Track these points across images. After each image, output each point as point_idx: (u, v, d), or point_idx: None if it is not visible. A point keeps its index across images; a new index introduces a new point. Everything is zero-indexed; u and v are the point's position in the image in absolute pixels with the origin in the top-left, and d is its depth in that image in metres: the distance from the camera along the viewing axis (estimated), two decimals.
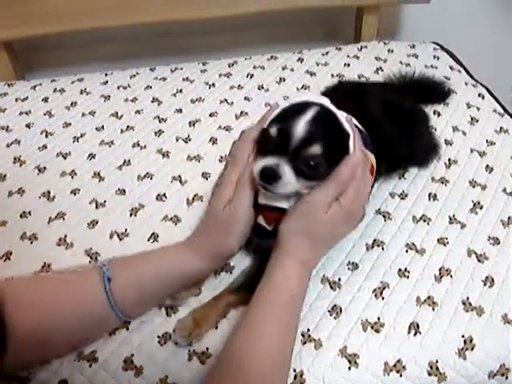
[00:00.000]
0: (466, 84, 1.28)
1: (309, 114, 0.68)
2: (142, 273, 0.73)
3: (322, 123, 0.69)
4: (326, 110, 0.72)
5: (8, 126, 1.15)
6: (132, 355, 0.73)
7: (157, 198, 0.96)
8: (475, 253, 0.87)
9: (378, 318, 0.78)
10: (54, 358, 0.72)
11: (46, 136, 1.12)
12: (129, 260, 0.75)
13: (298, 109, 0.70)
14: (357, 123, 0.85)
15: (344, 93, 1.06)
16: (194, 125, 1.13)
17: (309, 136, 0.67)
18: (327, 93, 1.08)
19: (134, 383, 0.71)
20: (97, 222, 0.92)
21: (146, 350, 0.74)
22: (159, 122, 1.15)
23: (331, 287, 0.82)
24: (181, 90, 1.24)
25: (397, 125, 0.92)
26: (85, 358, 0.73)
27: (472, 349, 0.76)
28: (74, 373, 0.72)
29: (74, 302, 0.70)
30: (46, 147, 1.09)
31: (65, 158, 1.06)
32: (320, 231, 0.71)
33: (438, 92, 1.19)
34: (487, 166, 1.04)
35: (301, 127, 0.67)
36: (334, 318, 0.78)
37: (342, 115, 0.74)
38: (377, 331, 0.76)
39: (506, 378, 0.76)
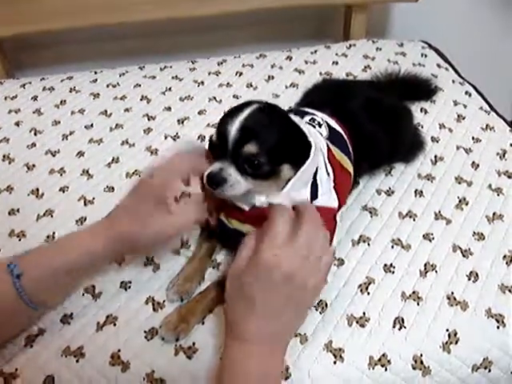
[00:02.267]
0: (454, 82, 1.29)
1: (244, 114, 0.68)
2: (53, 268, 0.70)
3: (258, 121, 0.69)
4: (268, 108, 0.72)
5: None
6: (119, 350, 0.74)
7: None
8: (460, 248, 0.88)
9: (364, 313, 0.79)
10: None
11: (35, 134, 1.12)
12: (38, 254, 0.72)
13: (235, 110, 0.70)
14: (334, 124, 0.86)
15: (327, 91, 1.07)
16: (182, 122, 1.14)
17: (242, 135, 0.67)
18: (311, 91, 1.09)
19: (121, 378, 0.71)
20: (85, 219, 0.92)
21: (132, 346, 0.74)
22: (148, 119, 1.15)
23: None
24: (170, 88, 1.25)
25: (379, 121, 0.93)
26: (72, 354, 0.73)
27: (456, 342, 0.77)
28: (61, 368, 0.72)
29: None
30: (34, 145, 1.09)
31: (54, 156, 1.06)
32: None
33: (424, 89, 1.20)
34: (473, 162, 1.05)
35: (235, 128, 0.67)
36: (320, 313, 0.78)
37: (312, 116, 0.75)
38: (362, 326, 0.77)
39: (489, 371, 0.77)
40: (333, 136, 0.84)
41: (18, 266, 0.68)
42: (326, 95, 1.00)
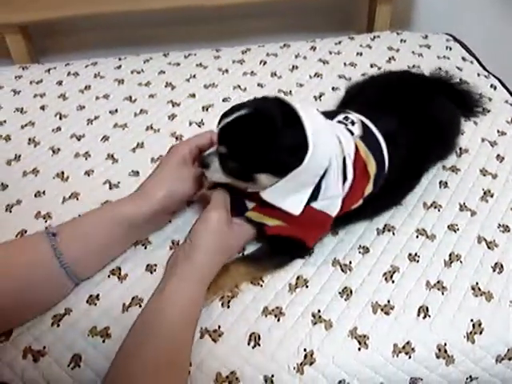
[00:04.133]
0: (479, 75, 1.28)
1: (233, 116, 0.71)
2: (84, 222, 0.78)
3: (239, 129, 0.71)
4: (259, 117, 0.70)
5: (22, 108, 1.16)
6: None
7: None
8: (485, 240, 0.88)
9: (388, 301, 0.79)
10: (11, 326, 0.74)
11: (60, 118, 1.13)
12: (74, 219, 0.80)
13: (233, 108, 0.72)
14: (373, 128, 0.84)
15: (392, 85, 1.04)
16: (207, 109, 1.14)
17: (222, 135, 0.73)
18: (368, 87, 1.08)
19: None
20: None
21: None
22: (172, 106, 1.16)
23: (342, 270, 0.82)
24: (194, 76, 1.25)
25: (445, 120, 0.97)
26: (98, 334, 0.74)
27: (480, 333, 0.76)
28: (88, 348, 0.73)
29: (22, 263, 0.72)
30: (60, 129, 1.10)
31: (79, 140, 1.07)
32: None
33: (469, 106, 1.12)
34: (498, 155, 1.04)
35: (221, 125, 0.72)
36: (345, 300, 0.79)
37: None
38: (386, 313, 0.77)
39: None
40: (366, 136, 0.81)
41: (53, 227, 0.75)
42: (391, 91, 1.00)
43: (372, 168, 0.79)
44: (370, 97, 1.02)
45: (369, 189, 0.79)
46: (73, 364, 0.72)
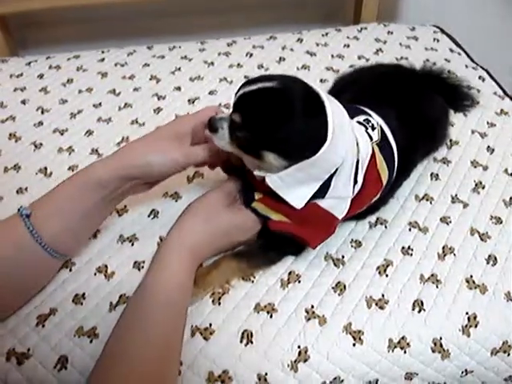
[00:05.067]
0: (467, 67, 1.27)
1: (255, 86, 0.67)
2: (56, 195, 0.72)
3: (260, 101, 0.67)
4: (282, 93, 0.68)
5: (3, 103, 1.13)
6: None
7: None
8: (478, 232, 0.87)
9: (382, 295, 0.77)
10: (3, 313, 0.73)
11: (42, 112, 1.10)
12: (47, 193, 0.73)
13: (255, 79, 0.69)
14: (388, 132, 0.83)
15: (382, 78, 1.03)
16: (193, 102, 1.11)
17: (238, 104, 0.69)
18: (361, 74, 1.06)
19: None
20: None
21: None
22: (158, 99, 1.13)
23: (335, 264, 0.81)
24: (179, 68, 1.23)
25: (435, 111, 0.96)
26: (85, 334, 0.72)
27: (476, 326, 0.76)
28: (75, 348, 0.70)
29: (2, 249, 0.68)
30: (41, 124, 1.06)
31: (62, 135, 1.04)
32: None
33: (458, 100, 1.09)
34: (488, 147, 1.04)
35: (240, 93, 0.69)
36: (338, 295, 0.77)
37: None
38: (381, 308, 0.76)
39: (508, 354, 0.76)
40: (383, 143, 0.80)
41: (26, 208, 0.70)
42: (381, 84, 0.98)
43: (385, 176, 0.78)
44: (359, 90, 1.01)
45: (377, 196, 0.79)
46: (59, 366, 0.69)
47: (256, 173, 0.72)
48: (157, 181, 0.78)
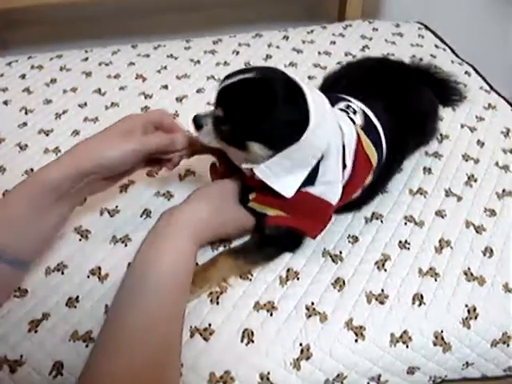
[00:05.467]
0: (452, 62, 1.28)
1: (235, 79, 0.68)
2: (7, 202, 0.68)
3: (239, 92, 0.68)
4: (261, 82, 0.68)
5: None
6: None
7: (148, 174, 0.92)
8: (473, 224, 0.87)
9: (382, 290, 0.77)
10: None
11: (26, 113, 1.06)
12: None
13: (234, 73, 0.70)
14: (372, 116, 0.83)
15: (369, 71, 1.02)
16: (181, 100, 1.09)
17: (219, 98, 0.70)
18: (347, 71, 1.05)
19: None
20: (85, 199, 0.87)
21: None
22: (145, 98, 1.11)
23: (333, 260, 0.80)
24: (165, 67, 1.21)
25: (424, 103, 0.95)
26: (80, 338, 0.69)
27: (475, 318, 0.76)
28: (70, 353, 0.68)
29: None
30: (26, 124, 1.03)
31: (47, 135, 1.01)
32: None
33: (447, 94, 1.09)
34: (478, 140, 1.04)
35: (220, 88, 0.69)
36: (338, 291, 0.76)
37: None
38: (381, 303, 0.75)
39: (508, 345, 0.76)
40: (368, 126, 0.80)
41: None
42: (368, 76, 0.97)
43: (374, 158, 0.78)
44: (348, 84, 1.00)
45: (369, 178, 0.78)
46: (54, 372, 0.67)
47: (243, 166, 0.71)
48: (117, 176, 0.76)
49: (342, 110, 0.80)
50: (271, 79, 0.68)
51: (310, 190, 0.72)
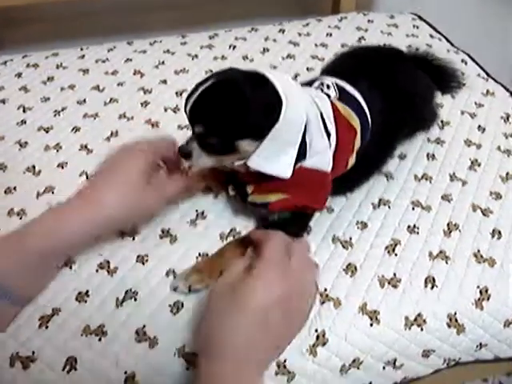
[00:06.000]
0: (448, 51, 1.29)
1: (197, 94, 0.68)
2: (18, 249, 0.64)
3: (208, 101, 0.67)
4: (224, 84, 0.68)
5: None
6: (144, 326, 0.69)
7: None
8: (479, 207, 0.87)
9: (394, 274, 0.76)
10: None
11: (24, 111, 1.05)
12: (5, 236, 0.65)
13: (195, 88, 0.69)
14: (349, 88, 0.83)
15: (364, 57, 1.01)
16: (181, 95, 1.08)
17: (193, 116, 0.69)
18: (341, 58, 1.05)
19: (150, 355, 0.67)
20: None
21: (158, 321, 0.70)
22: (144, 93, 1.10)
23: (343, 246, 0.80)
24: (163, 62, 1.19)
25: (415, 90, 0.92)
26: (93, 333, 0.68)
27: (488, 299, 0.76)
28: (83, 348, 0.67)
29: None
30: (25, 122, 1.02)
31: (47, 132, 0.99)
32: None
33: (445, 81, 1.07)
34: (479, 126, 1.04)
35: (188, 108, 0.69)
36: (350, 276, 0.76)
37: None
38: (394, 287, 0.75)
39: None
40: (343, 96, 0.81)
41: None
42: (363, 64, 0.96)
43: (355, 122, 0.78)
44: (343, 66, 1.00)
45: (358, 142, 0.78)
46: (68, 367, 0.66)
47: (236, 164, 0.72)
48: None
49: (316, 88, 0.82)
50: (231, 77, 0.69)
51: (304, 164, 0.72)
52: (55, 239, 0.65)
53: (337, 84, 0.83)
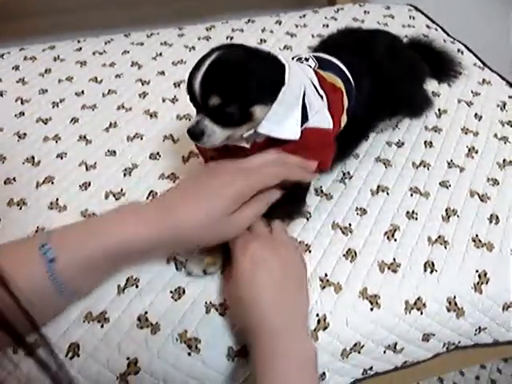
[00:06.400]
0: (445, 41, 1.29)
1: (205, 66, 0.67)
2: (86, 249, 0.60)
3: (218, 71, 0.67)
4: (229, 53, 0.69)
5: None
6: (146, 312, 0.69)
7: (150, 157, 0.92)
8: (477, 193, 0.88)
9: (394, 259, 0.77)
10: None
11: (22, 103, 1.05)
12: (72, 235, 0.62)
13: (199, 63, 0.69)
14: (326, 56, 0.85)
15: (348, 36, 1.02)
16: (179, 85, 1.09)
17: (205, 89, 0.67)
18: (330, 37, 1.05)
19: (152, 340, 0.67)
20: (89, 184, 0.87)
21: (159, 307, 0.70)
22: (142, 84, 1.10)
23: (343, 232, 0.80)
24: (160, 54, 1.20)
25: (400, 67, 0.91)
26: (95, 319, 0.69)
27: (487, 283, 0.76)
28: (86, 335, 0.67)
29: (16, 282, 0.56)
30: (23, 114, 1.02)
31: (45, 124, 1.00)
32: None
33: (445, 69, 1.09)
34: (476, 114, 1.05)
35: (198, 82, 0.67)
36: (350, 262, 0.76)
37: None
38: (394, 271, 0.75)
39: None
40: (323, 64, 0.83)
41: (51, 248, 0.58)
42: (346, 41, 0.97)
43: (339, 83, 0.80)
44: (328, 43, 1.03)
45: (346, 101, 0.80)
46: (71, 353, 0.66)
47: (245, 135, 0.72)
48: None
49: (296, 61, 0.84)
50: (235, 48, 0.72)
51: (308, 125, 0.73)
52: (124, 244, 0.62)
53: (314, 56, 0.85)
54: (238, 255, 0.67)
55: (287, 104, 0.70)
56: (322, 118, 0.74)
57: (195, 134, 0.69)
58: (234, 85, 0.67)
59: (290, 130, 0.71)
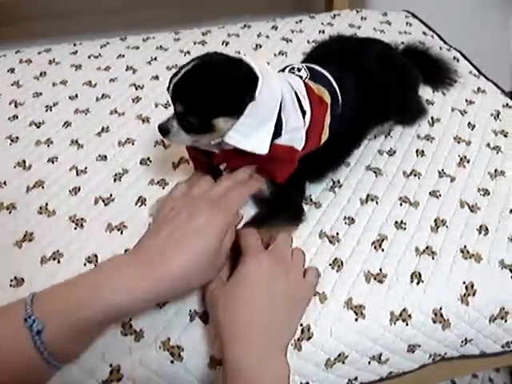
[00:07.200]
0: (441, 48, 1.29)
1: (180, 74, 0.71)
2: (74, 316, 0.57)
3: (188, 81, 0.70)
4: (205, 65, 0.72)
5: None
6: (130, 320, 0.69)
7: (141, 163, 0.92)
8: (467, 204, 0.87)
9: (380, 269, 0.77)
10: None
11: (16, 106, 1.05)
12: (58, 303, 0.59)
13: (179, 69, 0.72)
14: (319, 68, 0.85)
15: (338, 45, 1.02)
16: None
17: (174, 95, 0.72)
18: (321, 45, 1.06)
19: (135, 347, 0.68)
20: (79, 189, 0.87)
21: (144, 314, 0.69)
22: (136, 89, 1.10)
23: (330, 241, 0.80)
24: (155, 58, 1.20)
25: (390, 74, 0.90)
26: None
27: (473, 294, 0.76)
28: None
29: None
30: (16, 117, 1.02)
31: (38, 127, 1.00)
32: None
33: (439, 76, 1.11)
34: (469, 123, 1.05)
35: (171, 87, 0.72)
36: (336, 271, 0.76)
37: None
38: (380, 282, 0.75)
39: (505, 321, 0.77)
40: (314, 75, 0.83)
41: (37, 319, 0.55)
42: (337, 48, 0.97)
43: (327, 97, 0.80)
44: (318, 52, 1.04)
45: (328, 118, 0.79)
46: None
47: (213, 142, 0.74)
48: None
49: (288, 71, 0.84)
50: (209, 59, 0.73)
51: (279, 141, 0.73)
52: (114, 308, 0.59)
53: (307, 66, 0.85)
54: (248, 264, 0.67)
55: (258, 117, 0.70)
56: (295, 138, 0.74)
57: (162, 130, 0.74)
58: (196, 97, 0.70)
59: (259, 144, 0.71)
